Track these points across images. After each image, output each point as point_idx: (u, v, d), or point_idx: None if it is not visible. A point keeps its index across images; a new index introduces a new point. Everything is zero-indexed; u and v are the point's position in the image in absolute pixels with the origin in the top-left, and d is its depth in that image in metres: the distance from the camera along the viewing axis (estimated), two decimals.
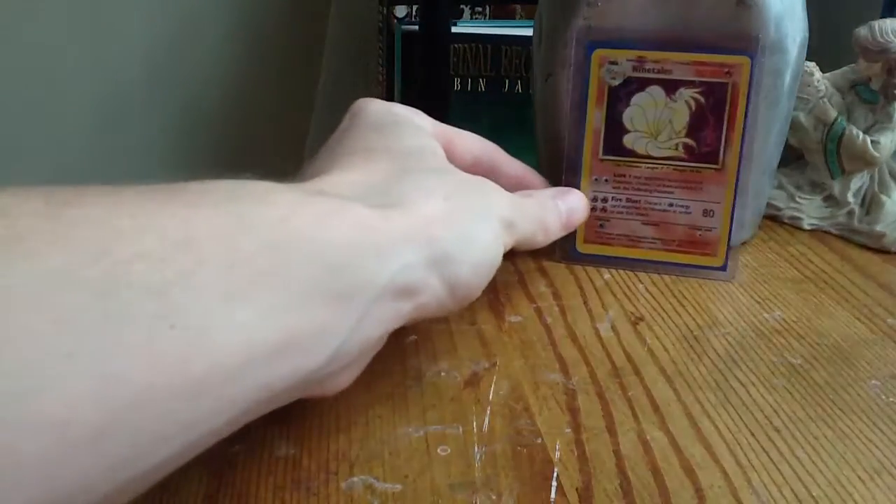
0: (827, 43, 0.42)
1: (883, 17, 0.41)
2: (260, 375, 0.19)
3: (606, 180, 0.36)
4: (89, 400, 0.15)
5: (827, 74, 0.43)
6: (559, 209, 0.33)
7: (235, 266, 0.18)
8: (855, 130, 0.41)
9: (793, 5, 0.36)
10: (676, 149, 0.35)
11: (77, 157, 0.77)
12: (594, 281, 0.37)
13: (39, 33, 0.73)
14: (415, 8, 0.66)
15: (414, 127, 0.30)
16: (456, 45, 0.60)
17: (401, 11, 0.67)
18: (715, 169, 0.35)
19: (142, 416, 0.16)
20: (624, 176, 0.36)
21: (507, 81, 0.62)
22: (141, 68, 0.79)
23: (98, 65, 0.76)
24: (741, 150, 0.35)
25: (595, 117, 0.36)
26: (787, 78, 0.37)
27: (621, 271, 0.38)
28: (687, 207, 0.36)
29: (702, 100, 0.35)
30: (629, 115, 0.35)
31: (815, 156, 0.44)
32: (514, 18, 0.70)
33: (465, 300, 0.26)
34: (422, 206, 0.24)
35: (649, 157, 0.36)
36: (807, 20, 0.38)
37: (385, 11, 0.67)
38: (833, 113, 0.42)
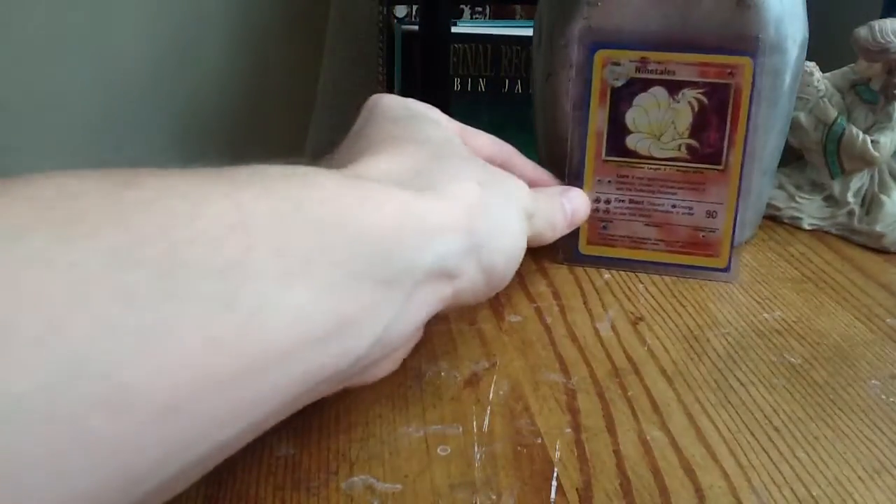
0: (827, 43, 0.42)
1: (883, 17, 0.41)
2: (311, 358, 0.19)
3: (609, 181, 0.36)
4: (152, 381, 0.15)
5: (827, 74, 0.43)
6: (565, 207, 0.33)
7: (288, 247, 0.19)
8: (855, 130, 0.41)
9: (793, 6, 0.36)
10: (679, 150, 0.35)
11: (77, 158, 0.77)
12: (594, 281, 0.37)
13: (40, 33, 0.73)
14: (415, 8, 0.66)
15: (432, 120, 0.30)
16: (456, 45, 0.60)
17: (401, 11, 0.67)
18: (718, 170, 0.35)
19: (201, 398, 0.16)
20: (627, 177, 0.36)
21: (507, 81, 0.62)
22: (141, 69, 0.79)
23: (99, 66, 0.76)
24: (744, 151, 0.35)
25: (598, 118, 0.36)
26: (787, 78, 0.37)
27: (621, 271, 0.38)
28: (690, 208, 0.36)
29: (705, 100, 0.35)
30: (632, 116, 0.35)
31: (815, 156, 0.44)
32: (514, 18, 0.70)
33: (496, 288, 0.27)
34: (458, 193, 0.24)
35: (652, 158, 0.36)
36: (807, 20, 0.38)
37: (385, 11, 0.67)
38: (833, 113, 0.42)
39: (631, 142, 0.36)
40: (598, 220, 0.37)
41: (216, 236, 0.17)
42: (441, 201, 0.24)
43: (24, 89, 0.73)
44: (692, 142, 0.35)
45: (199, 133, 0.83)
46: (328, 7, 0.75)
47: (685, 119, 0.35)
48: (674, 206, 0.36)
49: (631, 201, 0.37)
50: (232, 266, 0.17)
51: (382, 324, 0.21)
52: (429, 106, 0.31)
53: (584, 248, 0.38)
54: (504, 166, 0.34)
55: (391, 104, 0.30)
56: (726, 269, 0.37)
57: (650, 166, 0.36)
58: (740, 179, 0.35)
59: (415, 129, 0.28)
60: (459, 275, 0.24)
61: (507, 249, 0.26)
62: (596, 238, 0.37)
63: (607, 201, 0.37)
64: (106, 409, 0.15)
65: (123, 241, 0.16)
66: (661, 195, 0.36)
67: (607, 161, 0.36)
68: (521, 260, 0.28)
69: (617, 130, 0.36)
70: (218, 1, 0.80)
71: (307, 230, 0.19)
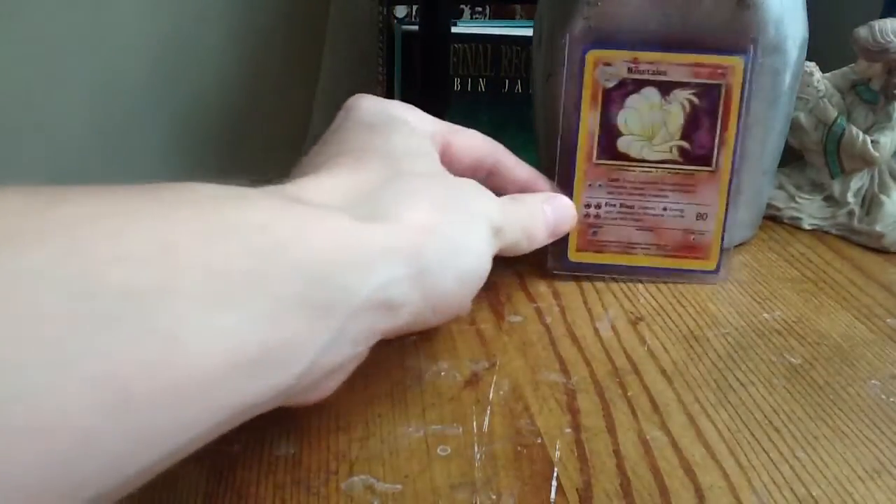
0: (827, 43, 0.42)
1: (883, 17, 0.41)
2: (235, 387, 0.18)
3: (601, 185, 0.36)
4: (69, 406, 0.15)
5: (827, 74, 0.43)
6: (547, 217, 0.32)
7: (216, 272, 0.18)
8: (855, 130, 0.41)
9: (793, 6, 0.36)
10: (671, 152, 0.35)
11: (78, 158, 0.77)
12: (594, 281, 0.37)
13: (40, 33, 0.73)
14: (415, 8, 0.66)
15: (407, 127, 0.29)
16: (456, 45, 0.60)
17: (401, 11, 0.67)
18: (709, 171, 0.35)
19: (114, 425, 0.16)
20: (618, 180, 0.36)
21: (507, 81, 0.62)
22: (140, 69, 0.79)
23: (98, 65, 0.76)
24: (735, 152, 0.35)
25: (589, 120, 0.35)
26: (787, 78, 0.37)
27: (611, 277, 0.37)
28: (681, 211, 0.36)
29: (696, 101, 0.34)
30: (623, 118, 0.35)
31: (815, 156, 0.44)
32: (514, 18, 0.70)
33: (448, 314, 0.26)
34: (409, 216, 0.23)
35: (644, 160, 0.35)
36: (807, 20, 0.38)
37: (385, 11, 0.67)
38: (833, 113, 0.42)
39: (622, 144, 0.35)
40: (588, 225, 0.36)
41: (141, 258, 0.17)
42: (387, 228, 0.23)
43: (23, 89, 0.73)
44: (683, 143, 0.35)
45: (199, 133, 0.83)
46: (328, 7, 0.75)
47: (677, 120, 0.35)
48: (665, 209, 0.36)
49: (622, 205, 0.36)
50: (156, 289, 0.17)
51: (313, 353, 0.20)
52: (410, 108, 0.30)
53: (573, 255, 0.37)
54: (495, 167, 0.33)
55: (367, 108, 0.29)
56: (716, 272, 0.36)
57: (641, 169, 0.35)
58: (730, 181, 0.35)
59: (385, 140, 0.27)
60: (402, 304, 0.23)
61: (462, 272, 0.25)
62: (585, 244, 0.36)
63: (598, 206, 0.36)
64: (14, 436, 0.14)
65: (39, 260, 0.15)
66: (652, 198, 0.36)
67: (598, 164, 0.35)
68: (482, 281, 0.26)
69: (608, 132, 0.35)
70: (218, 1, 0.80)
71: (239, 255, 0.19)
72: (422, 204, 0.24)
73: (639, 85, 0.35)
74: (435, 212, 0.24)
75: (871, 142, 0.41)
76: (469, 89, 0.62)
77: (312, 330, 0.20)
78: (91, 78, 0.76)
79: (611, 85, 0.35)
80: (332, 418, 0.26)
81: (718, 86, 0.34)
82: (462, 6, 0.69)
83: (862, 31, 0.40)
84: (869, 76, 0.42)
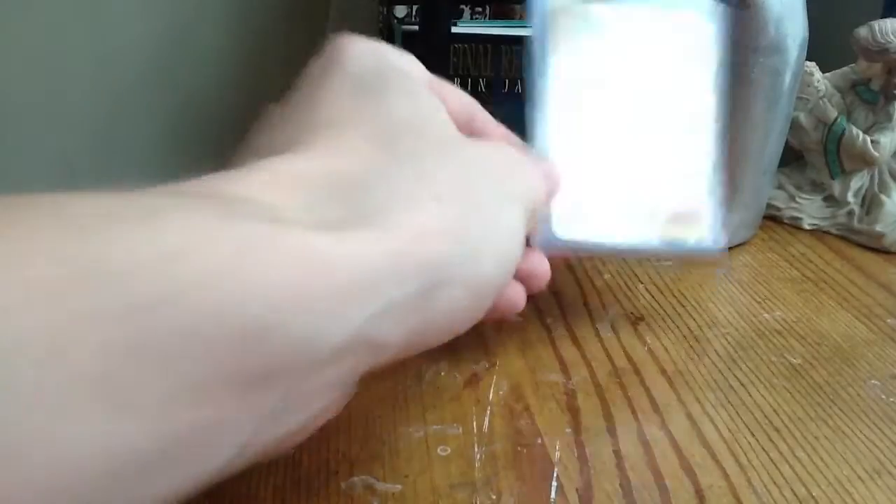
0: (827, 43, 0.42)
1: (883, 17, 0.41)
2: (125, 494, 0.13)
3: (579, 143, 0.30)
4: None
5: (827, 74, 0.43)
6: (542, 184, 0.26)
7: (90, 340, 0.12)
8: (855, 130, 0.41)
9: (793, 5, 0.36)
10: (655, 108, 0.31)
11: (76, 157, 0.77)
12: (594, 280, 0.37)
13: (40, 33, 0.73)
14: (415, 8, 0.66)
15: (408, 83, 0.22)
16: (456, 45, 0.60)
17: (401, 11, 0.67)
18: (691, 130, 0.31)
19: None
20: (596, 138, 0.30)
21: (506, 81, 0.62)
22: (138, 68, 0.79)
23: (97, 64, 0.76)
24: (719, 110, 0.31)
25: (558, 69, 0.30)
26: (787, 78, 0.37)
27: (621, 270, 0.38)
28: (672, 174, 0.31)
29: (669, 52, 0.31)
30: (602, 67, 0.30)
31: (815, 156, 0.44)
32: (514, 18, 0.70)
33: (453, 335, 0.20)
34: (410, 218, 0.17)
35: (621, 115, 0.30)
36: (807, 20, 0.38)
37: (385, 11, 0.67)
38: (833, 113, 0.42)
39: (594, 97, 0.30)
40: (572, 192, 0.29)
41: None
42: (373, 236, 0.16)
43: (23, 89, 0.73)
44: (666, 98, 0.31)
45: (198, 133, 0.83)
46: (328, 7, 0.75)
47: (650, 72, 0.31)
48: (654, 172, 0.31)
49: (606, 166, 0.30)
50: None
51: (246, 433, 0.15)
52: (406, 56, 0.24)
53: (559, 229, 0.29)
54: (471, 125, 0.27)
55: (358, 56, 0.22)
56: (713, 244, 0.31)
57: (620, 125, 0.30)
58: (725, 146, 0.31)
59: (379, 102, 0.21)
60: (393, 338, 0.17)
61: (482, 284, 0.19)
62: (570, 216, 0.29)
63: (580, 168, 0.30)
64: None
65: None
66: (636, 158, 0.30)
67: (571, 117, 0.30)
68: (507, 280, 0.21)
69: (579, 83, 0.30)
70: (217, 1, 0.80)
71: (127, 311, 0.13)
72: (429, 194, 0.18)
73: (608, 35, 0.31)
74: (448, 206, 0.18)
75: (871, 142, 0.41)
76: (469, 89, 0.62)
77: (243, 406, 0.14)
78: (89, 77, 0.76)
79: (580, 33, 0.31)
80: (333, 419, 0.26)
81: (689, 37, 0.31)
82: (462, 6, 0.69)
83: (862, 31, 0.40)
84: (869, 76, 0.42)
